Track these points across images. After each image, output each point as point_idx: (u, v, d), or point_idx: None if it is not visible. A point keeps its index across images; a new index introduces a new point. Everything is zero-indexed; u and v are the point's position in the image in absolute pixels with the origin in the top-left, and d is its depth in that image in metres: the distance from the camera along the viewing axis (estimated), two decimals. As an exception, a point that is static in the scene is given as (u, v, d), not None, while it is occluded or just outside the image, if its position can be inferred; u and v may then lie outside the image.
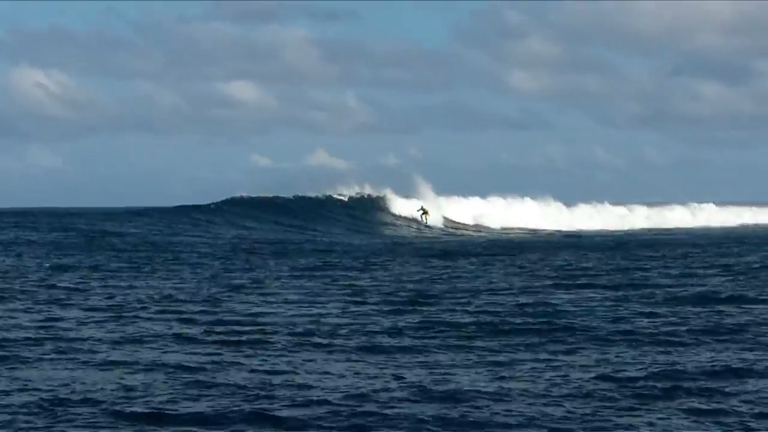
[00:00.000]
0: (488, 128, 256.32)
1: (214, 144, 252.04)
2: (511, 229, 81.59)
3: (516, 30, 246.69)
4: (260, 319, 20.27)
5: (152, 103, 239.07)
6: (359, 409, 12.25)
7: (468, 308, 22.08)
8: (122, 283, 27.70)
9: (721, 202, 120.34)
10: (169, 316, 20.78)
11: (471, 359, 15.77)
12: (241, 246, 47.42)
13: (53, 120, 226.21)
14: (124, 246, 45.41)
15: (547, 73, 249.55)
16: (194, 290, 25.92)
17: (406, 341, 17.53)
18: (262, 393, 13.18)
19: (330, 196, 79.38)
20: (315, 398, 12.81)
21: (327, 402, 12.62)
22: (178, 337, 17.79)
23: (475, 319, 20.17)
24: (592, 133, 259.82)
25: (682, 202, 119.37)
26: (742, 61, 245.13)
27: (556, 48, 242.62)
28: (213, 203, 75.00)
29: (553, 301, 23.32)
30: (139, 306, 22.29)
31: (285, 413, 12.05)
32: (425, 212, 79.18)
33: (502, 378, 14.20)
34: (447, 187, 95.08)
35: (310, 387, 13.52)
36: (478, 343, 17.25)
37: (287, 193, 77.81)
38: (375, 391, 13.27)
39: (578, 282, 28.62)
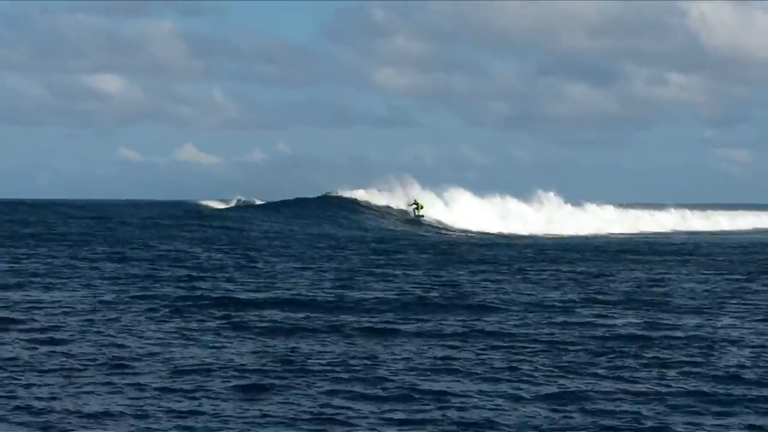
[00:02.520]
0: (355, 125, 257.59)
1: (81, 137, 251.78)
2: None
3: (383, 28, 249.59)
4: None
5: (18, 95, 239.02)
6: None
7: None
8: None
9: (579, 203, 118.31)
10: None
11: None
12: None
13: None
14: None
15: (414, 71, 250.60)
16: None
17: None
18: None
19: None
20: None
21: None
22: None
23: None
24: (459, 132, 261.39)
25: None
26: (609, 63, 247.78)
27: (423, 47, 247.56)
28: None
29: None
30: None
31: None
32: (418, 206, 78.24)
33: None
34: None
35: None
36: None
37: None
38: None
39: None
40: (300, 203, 76.63)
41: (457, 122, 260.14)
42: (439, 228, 74.20)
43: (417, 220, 76.62)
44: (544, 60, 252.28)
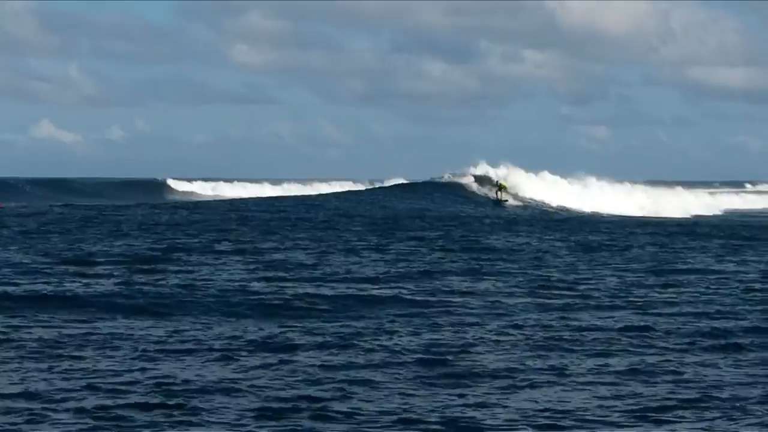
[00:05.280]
0: (213, 102, 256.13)
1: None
2: None
3: (237, 5, 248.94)
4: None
5: None
6: None
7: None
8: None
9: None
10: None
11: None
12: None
13: None
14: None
15: (269, 48, 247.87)
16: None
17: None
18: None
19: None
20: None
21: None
22: None
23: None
24: (318, 109, 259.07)
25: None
26: (464, 40, 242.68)
27: (278, 23, 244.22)
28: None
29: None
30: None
31: None
32: (502, 188, 69.26)
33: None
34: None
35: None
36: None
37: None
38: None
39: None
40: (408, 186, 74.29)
41: (315, 99, 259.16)
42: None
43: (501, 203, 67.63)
44: (399, 37, 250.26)
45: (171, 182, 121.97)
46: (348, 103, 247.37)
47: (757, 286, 24.93)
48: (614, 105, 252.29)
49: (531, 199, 71.25)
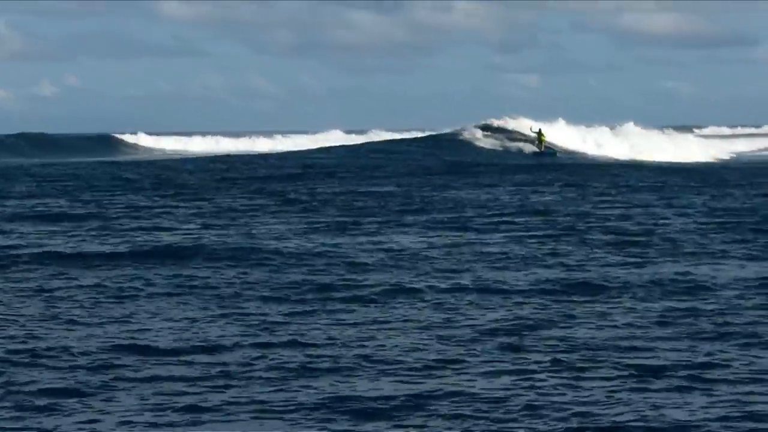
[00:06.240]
0: (143, 56, 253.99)
1: None
2: None
3: None
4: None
5: None
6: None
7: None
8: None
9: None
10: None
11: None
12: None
13: None
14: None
15: (198, 1, 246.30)
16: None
17: None
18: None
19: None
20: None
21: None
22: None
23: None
24: (248, 61, 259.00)
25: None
26: None
27: None
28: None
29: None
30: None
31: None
32: (541, 137, 64.47)
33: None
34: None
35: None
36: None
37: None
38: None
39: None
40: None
41: (245, 51, 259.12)
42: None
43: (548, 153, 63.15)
44: None
45: (128, 137, 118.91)
46: (278, 54, 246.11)
47: None
48: (544, 53, 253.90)
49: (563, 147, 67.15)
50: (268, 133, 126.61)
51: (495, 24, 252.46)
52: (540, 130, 65.59)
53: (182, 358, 12.67)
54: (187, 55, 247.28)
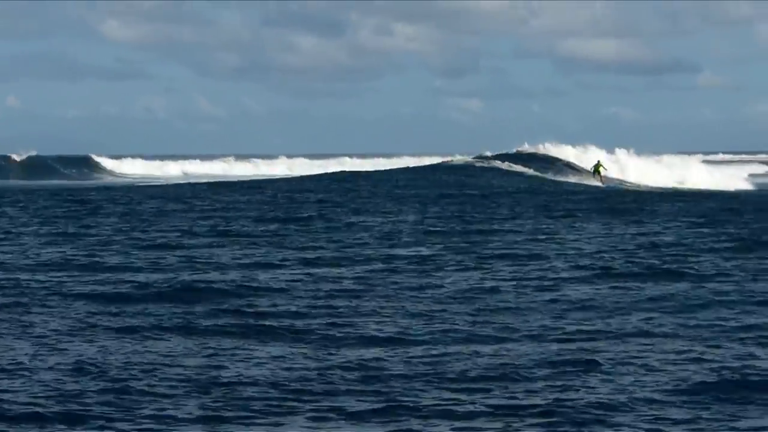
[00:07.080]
0: (86, 78, 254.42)
1: None
2: None
3: None
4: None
5: None
6: None
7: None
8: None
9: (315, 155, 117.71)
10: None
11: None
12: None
13: None
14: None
15: (140, 22, 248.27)
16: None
17: None
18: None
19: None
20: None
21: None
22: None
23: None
24: (191, 83, 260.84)
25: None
26: (334, 14, 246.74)
27: None
28: None
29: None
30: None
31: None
32: (599, 167, 60.76)
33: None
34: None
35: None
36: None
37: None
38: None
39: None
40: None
41: (188, 73, 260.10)
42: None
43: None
44: (268, 11, 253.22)
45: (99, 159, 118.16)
46: (221, 76, 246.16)
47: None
48: (486, 77, 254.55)
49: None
50: (212, 157, 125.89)
51: (437, 48, 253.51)
52: (599, 161, 62.04)
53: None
54: (130, 78, 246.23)
